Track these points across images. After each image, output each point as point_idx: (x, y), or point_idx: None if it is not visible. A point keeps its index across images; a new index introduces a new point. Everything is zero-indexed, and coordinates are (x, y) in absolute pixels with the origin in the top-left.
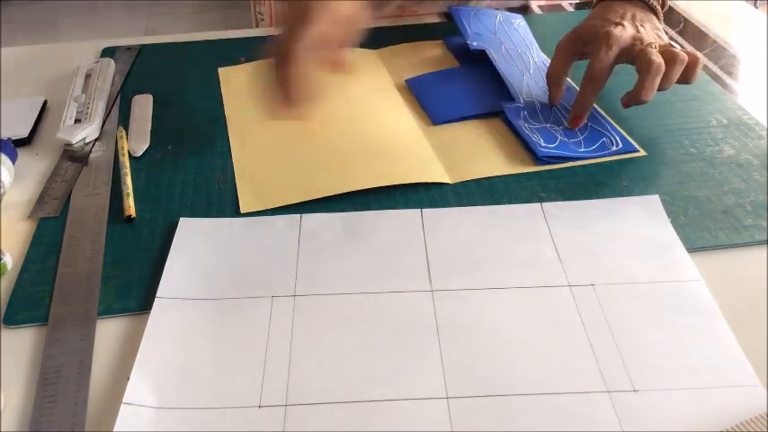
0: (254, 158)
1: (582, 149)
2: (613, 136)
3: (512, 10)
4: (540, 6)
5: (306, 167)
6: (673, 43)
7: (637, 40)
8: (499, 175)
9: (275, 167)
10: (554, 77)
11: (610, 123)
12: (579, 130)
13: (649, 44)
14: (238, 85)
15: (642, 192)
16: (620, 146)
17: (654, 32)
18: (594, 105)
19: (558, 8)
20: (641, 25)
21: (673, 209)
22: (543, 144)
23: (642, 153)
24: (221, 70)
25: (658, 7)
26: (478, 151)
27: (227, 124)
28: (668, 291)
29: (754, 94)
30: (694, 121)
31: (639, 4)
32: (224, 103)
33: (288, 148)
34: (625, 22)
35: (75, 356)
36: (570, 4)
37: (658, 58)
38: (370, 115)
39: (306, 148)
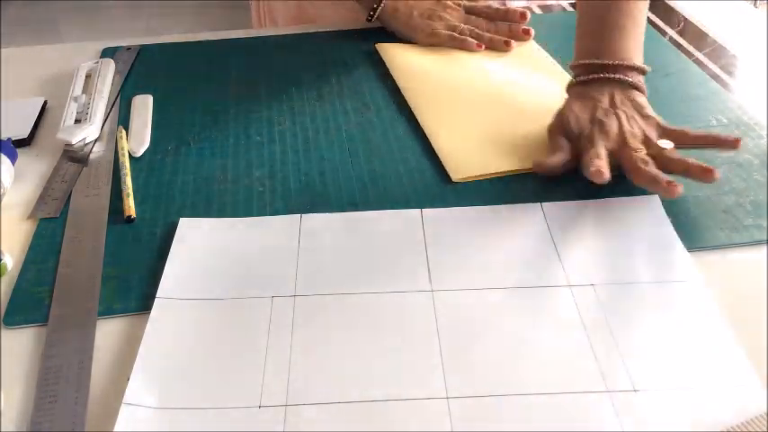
0: (452, 129)
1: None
2: None
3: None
4: (540, 6)
5: (504, 140)
6: (664, 143)
7: (621, 136)
8: (500, 173)
9: (477, 138)
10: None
11: None
12: None
13: (635, 148)
14: (406, 61)
15: (642, 192)
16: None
17: (640, 121)
18: None
19: (555, 8)
20: (624, 113)
21: (673, 209)
22: None
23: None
24: (379, 46)
25: (638, 83)
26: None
27: (407, 98)
28: (668, 290)
29: (754, 93)
30: (694, 120)
31: (618, 83)
32: (394, 77)
33: (478, 121)
34: (608, 115)
35: (75, 357)
36: (569, 3)
37: (645, 159)
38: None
39: (494, 122)
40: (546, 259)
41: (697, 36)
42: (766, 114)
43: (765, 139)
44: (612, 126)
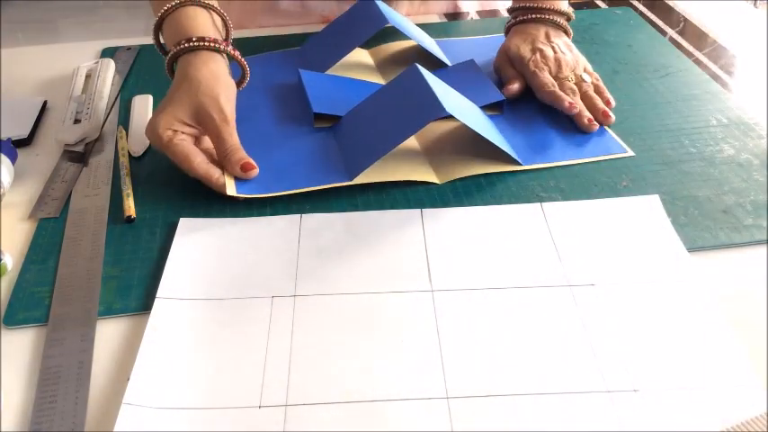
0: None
1: (566, 151)
2: (601, 137)
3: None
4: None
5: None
6: (581, 70)
7: (557, 62)
8: (487, 173)
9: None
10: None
11: (601, 128)
12: (566, 132)
13: (566, 77)
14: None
15: (642, 192)
16: (608, 147)
17: (570, 54)
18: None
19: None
20: (557, 47)
21: (673, 209)
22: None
23: (630, 153)
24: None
25: (566, 25)
26: (465, 150)
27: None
28: (668, 290)
29: (755, 93)
30: (694, 120)
31: (551, 23)
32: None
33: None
34: (545, 45)
35: (75, 357)
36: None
37: (573, 89)
38: None
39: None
40: (546, 259)
41: (697, 36)
42: (766, 114)
43: (765, 139)
44: (550, 53)
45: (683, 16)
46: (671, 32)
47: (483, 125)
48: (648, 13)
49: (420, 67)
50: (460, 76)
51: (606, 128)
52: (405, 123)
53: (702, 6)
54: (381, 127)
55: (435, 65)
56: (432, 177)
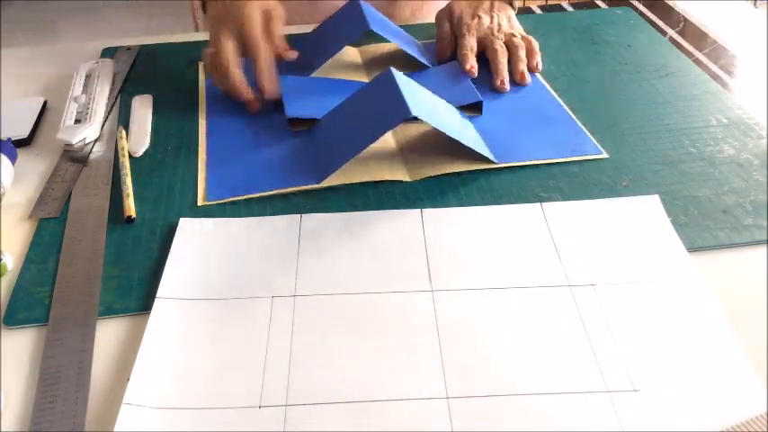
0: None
1: (542, 151)
2: (577, 138)
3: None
4: (540, 6)
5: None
6: (517, 34)
7: (491, 28)
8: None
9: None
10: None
11: (576, 127)
12: (538, 130)
13: (496, 37)
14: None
15: (642, 192)
16: (583, 148)
17: (507, 23)
18: (565, 108)
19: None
20: (497, 17)
21: (673, 209)
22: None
23: (604, 155)
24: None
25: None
26: (441, 149)
27: None
28: (668, 291)
29: (754, 93)
30: (694, 120)
31: None
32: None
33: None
34: (486, 14)
35: (75, 357)
36: (569, 3)
37: (502, 47)
38: None
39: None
40: (546, 259)
41: (697, 36)
42: (766, 114)
43: (765, 139)
44: (486, 21)
45: (683, 16)
46: (671, 32)
47: (454, 125)
48: (648, 13)
49: (395, 71)
50: (441, 77)
51: (583, 128)
52: (373, 126)
53: (702, 6)
54: (352, 130)
55: (419, 66)
56: (403, 176)
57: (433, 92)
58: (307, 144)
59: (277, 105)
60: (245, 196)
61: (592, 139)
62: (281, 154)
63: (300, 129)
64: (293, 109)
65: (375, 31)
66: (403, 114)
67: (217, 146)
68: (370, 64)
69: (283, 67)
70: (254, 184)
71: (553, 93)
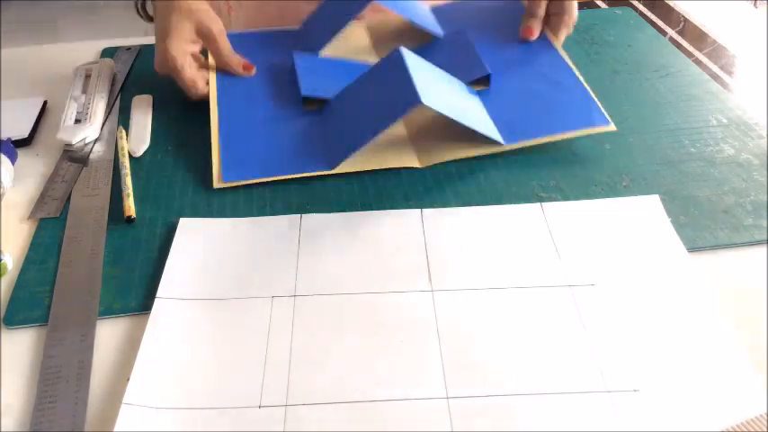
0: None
1: (550, 124)
2: (586, 104)
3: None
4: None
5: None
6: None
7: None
8: (469, 156)
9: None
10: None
11: (585, 91)
12: (547, 98)
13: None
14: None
15: (642, 192)
16: (591, 118)
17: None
18: (574, 69)
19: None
20: None
21: (673, 209)
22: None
23: (612, 128)
24: None
25: None
26: (450, 134)
27: None
28: (668, 290)
29: (755, 93)
30: (694, 120)
31: None
32: None
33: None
34: None
35: (75, 356)
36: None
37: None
38: None
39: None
40: (546, 259)
41: (697, 36)
42: (766, 114)
43: (765, 139)
44: None
45: (683, 16)
46: (671, 32)
47: (464, 107)
48: (648, 13)
49: (404, 51)
50: (449, 50)
51: (591, 93)
52: (384, 113)
53: (702, 6)
54: (362, 115)
55: (427, 37)
56: (414, 162)
57: (442, 67)
58: (318, 126)
59: (288, 82)
60: (261, 179)
61: (600, 106)
62: (294, 135)
63: (311, 108)
64: (308, 88)
65: (380, 3)
66: (413, 102)
67: (230, 123)
68: (378, 42)
69: (291, 42)
70: (267, 168)
71: (562, 53)
